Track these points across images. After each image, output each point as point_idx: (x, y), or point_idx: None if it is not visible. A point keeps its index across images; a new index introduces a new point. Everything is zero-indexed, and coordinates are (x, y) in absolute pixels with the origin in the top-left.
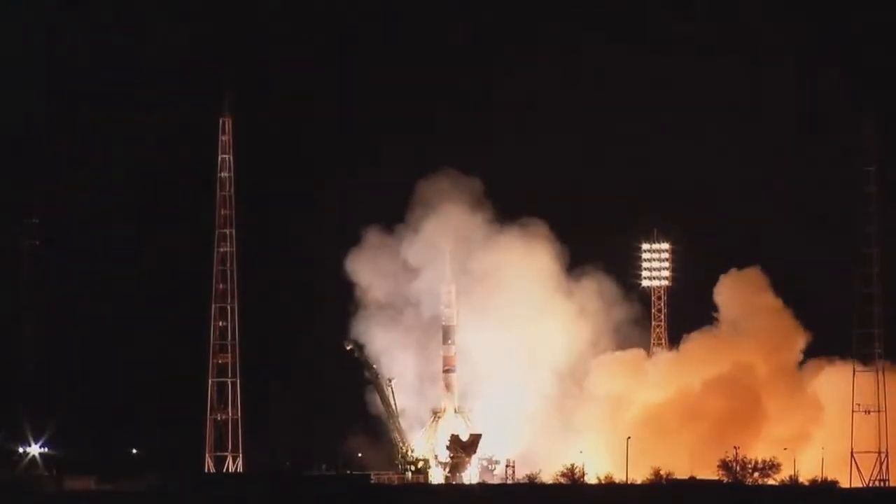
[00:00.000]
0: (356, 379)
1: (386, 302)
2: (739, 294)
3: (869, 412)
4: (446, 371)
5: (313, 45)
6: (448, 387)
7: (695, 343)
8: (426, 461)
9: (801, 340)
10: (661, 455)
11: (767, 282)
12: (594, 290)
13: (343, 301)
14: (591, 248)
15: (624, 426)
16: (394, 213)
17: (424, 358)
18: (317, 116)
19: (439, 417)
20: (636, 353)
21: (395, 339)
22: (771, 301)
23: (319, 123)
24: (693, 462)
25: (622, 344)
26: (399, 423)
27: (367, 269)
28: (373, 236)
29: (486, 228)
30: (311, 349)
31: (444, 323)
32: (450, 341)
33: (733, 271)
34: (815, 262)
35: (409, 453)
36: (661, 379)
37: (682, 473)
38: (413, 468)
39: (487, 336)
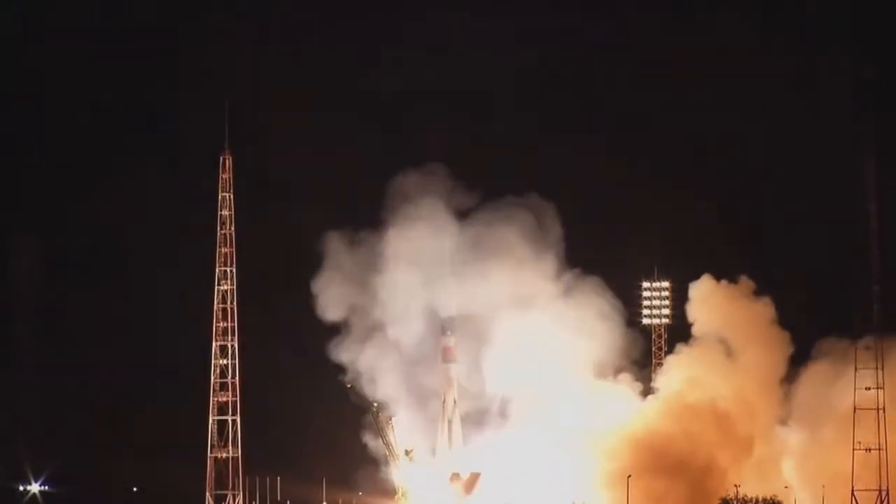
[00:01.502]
0: (357, 415)
1: (372, 321)
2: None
3: (870, 450)
4: (446, 362)
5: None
6: (448, 379)
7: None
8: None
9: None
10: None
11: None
12: (594, 316)
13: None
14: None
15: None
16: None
17: (419, 379)
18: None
19: (411, 456)
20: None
21: (385, 362)
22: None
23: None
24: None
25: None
26: (400, 463)
27: (334, 287)
28: (337, 247)
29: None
30: (311, 383)
31: (443, 314)
32: (449, 332)
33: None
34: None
35: (406, 495)
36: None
37: None
38: None
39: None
